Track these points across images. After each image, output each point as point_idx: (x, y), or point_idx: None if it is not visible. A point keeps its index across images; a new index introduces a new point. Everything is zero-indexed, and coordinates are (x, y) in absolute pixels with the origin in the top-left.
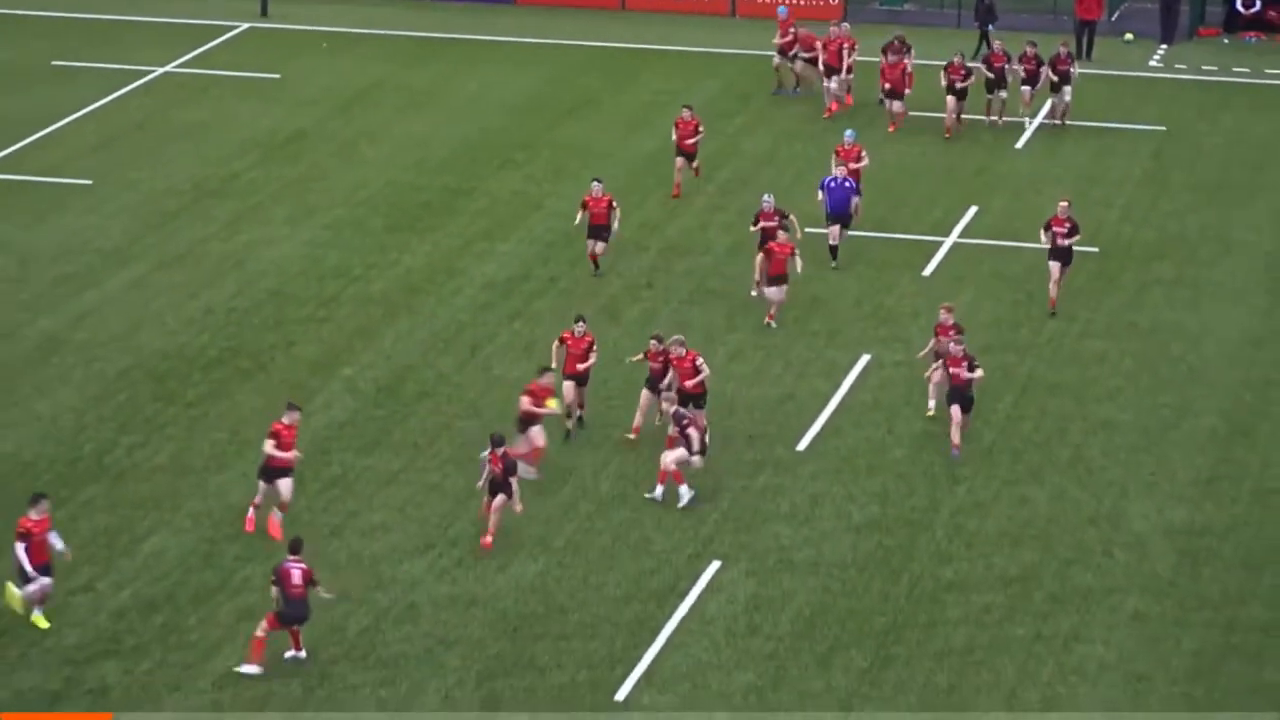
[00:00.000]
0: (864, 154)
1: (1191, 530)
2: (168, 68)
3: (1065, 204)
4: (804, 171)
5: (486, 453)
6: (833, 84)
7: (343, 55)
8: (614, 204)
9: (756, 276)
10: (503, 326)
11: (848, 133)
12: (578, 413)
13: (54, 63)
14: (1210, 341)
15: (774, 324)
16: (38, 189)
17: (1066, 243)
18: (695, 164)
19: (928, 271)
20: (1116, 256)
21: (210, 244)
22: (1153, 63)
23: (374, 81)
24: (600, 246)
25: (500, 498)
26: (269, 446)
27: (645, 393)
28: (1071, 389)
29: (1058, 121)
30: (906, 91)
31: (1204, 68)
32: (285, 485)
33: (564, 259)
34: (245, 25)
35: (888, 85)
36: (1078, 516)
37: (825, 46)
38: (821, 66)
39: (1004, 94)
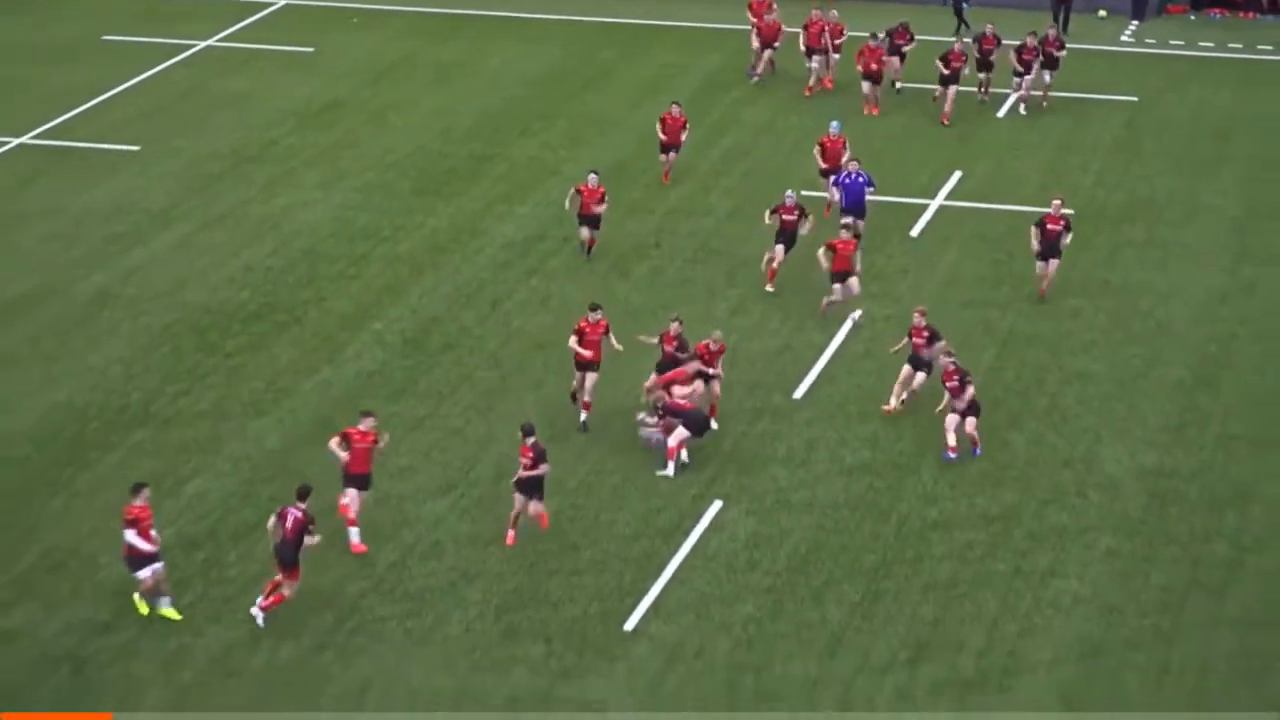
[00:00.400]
0: (847, 145)
1: (1160, 473)
2: (210, 42)
3: (1058, 201)
4: (801, 140)
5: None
6: (813, 63)
7: (373, 31)
8: (605, 197)
9: (775, 264)
10: (521, 283)
11: (833, 124)
12: (584, 415)
13: (104, 37)
14: (1178, 298)
15: (861, 314)
16: (89, 154)
17: (1061, 240)
18: (671, 156)
19: (915, 232)
20: (1090, 219)
21: (249, 206)
22: (1124, 38)
23: (403, 55)
24: (586, 232)
25: (534, 504)
26: (333, 444)
27: (654, 376)
28: (1048, 342)
29: (1041, 101)
30: (883, 71)
31: (1172, 42)
32: (359, 496)
33: (576, 221)
34: (282, 2)
35: (872, 67)
36: (1054, 460)
37: (806, 29)
38: (803, 48)
39: (991, 75)
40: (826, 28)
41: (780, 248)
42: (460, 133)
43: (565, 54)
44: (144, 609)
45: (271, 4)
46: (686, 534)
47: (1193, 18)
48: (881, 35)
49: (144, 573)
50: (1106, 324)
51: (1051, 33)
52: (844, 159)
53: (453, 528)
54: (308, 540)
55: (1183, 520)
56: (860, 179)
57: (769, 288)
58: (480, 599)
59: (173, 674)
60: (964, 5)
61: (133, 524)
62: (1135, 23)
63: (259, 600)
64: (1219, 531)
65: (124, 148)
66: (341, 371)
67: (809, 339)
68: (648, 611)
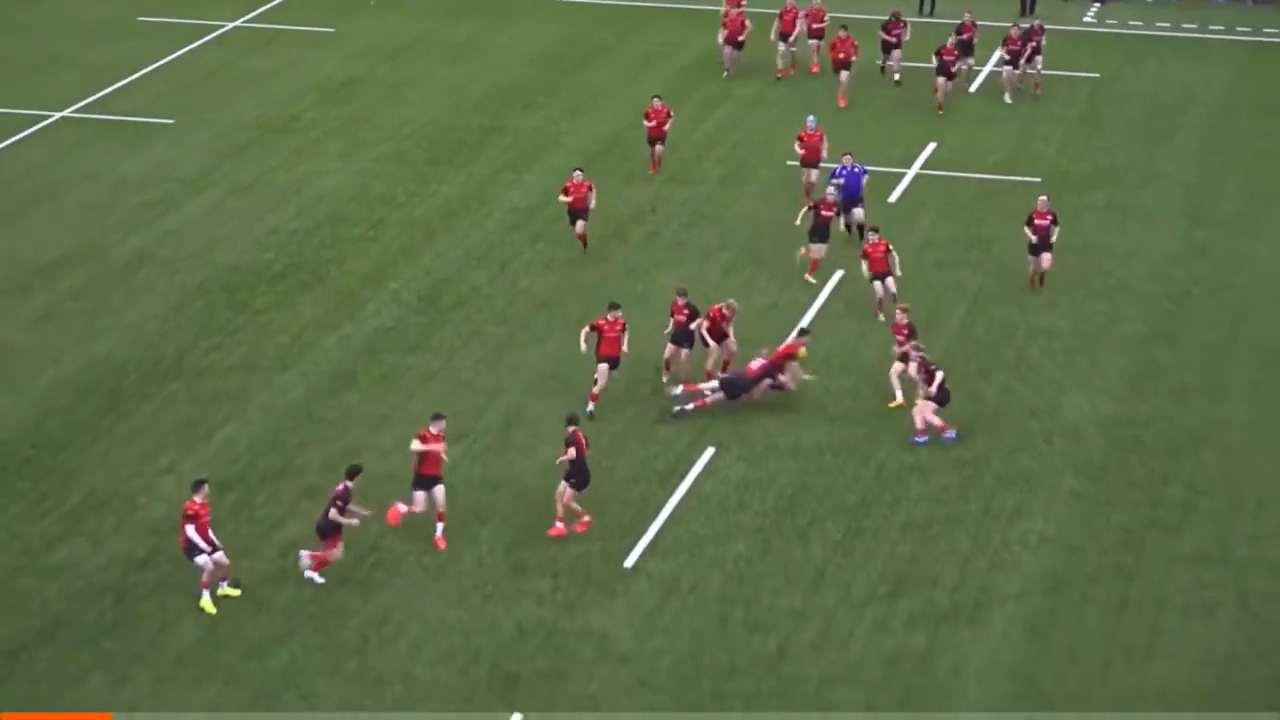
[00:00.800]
0: (825, 139)
1: (1120, 421)
2: (237, 22)
3: (1045, 198)
4: (786, 113)
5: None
6: (791, 48)
7: (389, 12)
8: (592, 188)
9: (814, 259)
10: (527, 246)
11: (810, 119)
12: (591, 405)
13: (139, 19)
14: (1136, 259)
15: (883, 316)
16: (127, 127)
17: (1051, 234)
18: (659, 149)
19: (893, 199)
20: (1055, 185)
21: (275, 174)
22: (1087, 19)
23: (417, 35)
24: (582, 225)
25: (568, 490)
26: (416, 446)
27: (670, 347)
28: (1016, 299)
29: (1035, 88)
30: (853, 59)
31: (1131, 23)
32: (439, 492)
33: None
34: None
35: (841, 56)
36: (1021, 409)
37: (781, 16)
38: (774, 35)
39: (972, 61)
40: (801, 14)
41: (822, 246)
42: (470, 106)
43: (566, 33)
44: (211, 609)
45: None
46: (681, 478)
47: (1150, 0)
48: (890, 27)
49: (202, 559)
50: (1070, 283)
51: (1036, 23)
52: (822, 152)
53: (465, 472)
54: (333, 515)
55: (1141, 465)
56: (857, 170)
57: (809, 279)
58: (491, 537)
59: (206, 607)
60: None
61: (191, 519)
62: (1098, 4)
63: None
64: (1175, 475)
65: (158, 120)
66: (361, 327)
67: (794, 298)
68: (646, 550)
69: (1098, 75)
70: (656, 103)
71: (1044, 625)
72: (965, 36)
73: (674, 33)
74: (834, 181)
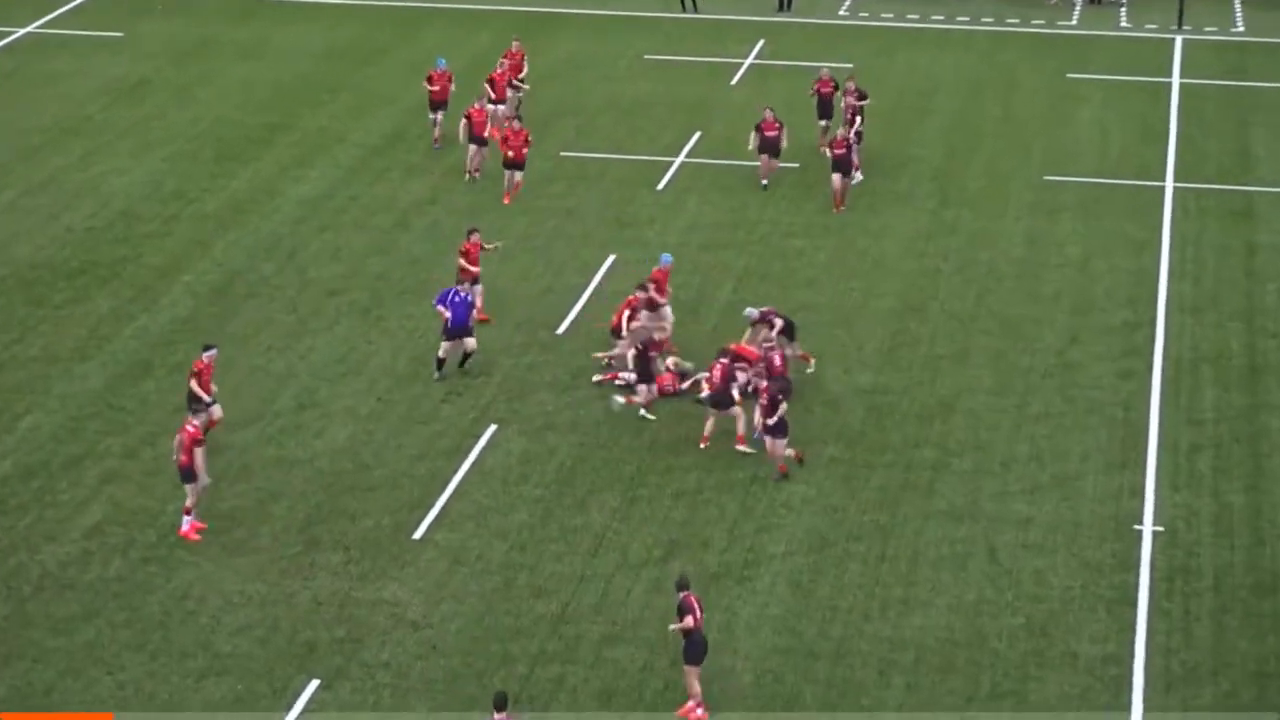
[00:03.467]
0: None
1: (875, 390)
2: (29, 29)
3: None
4: (559, 97)
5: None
6: (499, 108)
7: (176, 16)
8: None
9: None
10: (314, 236)
11: (665, 257)
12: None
13: None
14: (889, 237)
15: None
16: None
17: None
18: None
19: (661, 186)
20: (814, 169)
21: (69, 173)
22: (842, 12)
23: (204, 38)
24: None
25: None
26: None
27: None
28: (777, 277)
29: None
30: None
31: (883, 15)
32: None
33: (362, 181)
34: None
35: (510, 154)
36: None
37: (504, 60)
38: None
39: (830, 122)
40: (510, 61)
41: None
42: (256, 105)
43: (347, 35)
44: None
45: None
46: (466, 454)
47: None
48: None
49: None
50: (827, 261)
51: (850, 84)
52: (667, 295)
53: (259, 453)
54: None
55: (896, 430)
56: (466, 298)
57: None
58: (285, 514)
59: (14, 588)
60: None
61: None
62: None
63: None
64: (927, 439)
65: None
66: (157, 319)
67: (568, 282)
68: (434, 522)
69: (851, 66)
70: (470, 238)
71: (808, 581)
72: (825, 93)
73: (450, 31)
74: (440, 306)
